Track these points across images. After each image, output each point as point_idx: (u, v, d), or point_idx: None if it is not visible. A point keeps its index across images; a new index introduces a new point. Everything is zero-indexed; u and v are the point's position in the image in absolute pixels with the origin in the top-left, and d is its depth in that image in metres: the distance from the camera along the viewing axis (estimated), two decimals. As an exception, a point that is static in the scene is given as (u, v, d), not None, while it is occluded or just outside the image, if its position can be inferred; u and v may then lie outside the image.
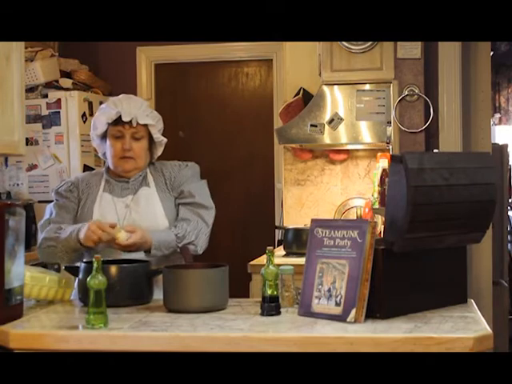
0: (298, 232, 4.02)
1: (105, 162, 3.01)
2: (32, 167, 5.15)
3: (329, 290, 2.23)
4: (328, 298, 2.22)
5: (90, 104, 5.13)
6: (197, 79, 5.78)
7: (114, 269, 2.47)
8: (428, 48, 4.18)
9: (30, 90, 5.06)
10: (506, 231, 5.04)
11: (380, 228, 3.39)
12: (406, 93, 4.13)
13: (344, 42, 4.07)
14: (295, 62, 4.73)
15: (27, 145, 4.67)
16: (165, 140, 2.94)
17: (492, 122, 6.78)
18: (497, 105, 8.46)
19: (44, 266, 3.03)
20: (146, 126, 2.86)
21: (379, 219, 3.68)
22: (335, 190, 4.62)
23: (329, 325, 2.15)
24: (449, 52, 4.09)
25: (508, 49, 7.39)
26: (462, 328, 2.09)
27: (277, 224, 4.95)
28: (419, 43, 4.11)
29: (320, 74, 4.23)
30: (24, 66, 2.92)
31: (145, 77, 5.71)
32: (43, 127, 5.11)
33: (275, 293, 2.30)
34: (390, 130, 4.07)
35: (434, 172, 2.21)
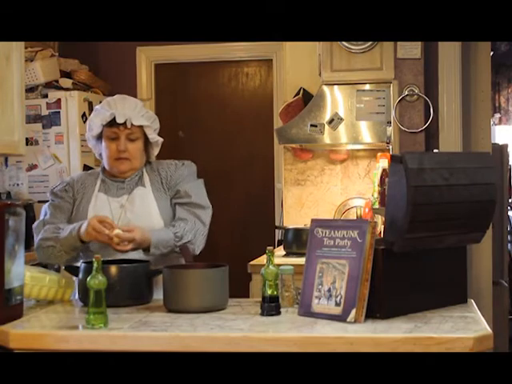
0: (297, 232, 4.02)
1: (102, 162, 3.01)
2: (32, 167, 5.15)
3: (329, 290, 2.23)
4: (328, 298, 2.22)
5: (90, 104, 5.13)
6: (197, 79, 5.78)
7: (113, 269, 2.47)
8: (428, 48, 4.17)
9: (30, 89, 5.05)
10: (506, 231, 5.04)
11: (380, 228, 3.39)
12: (406, 93, 4.13)
13: (344, 42, 4.07)
14: (295, 62, 4.73)
15: (27, 145, 4.67)
16: (161, 140, 2.92)
17: (492, 122, 6.78)
18: (497, 105, 8.45)
19: (44, 266, 3.04)
20: (141, 126, 2.85)
21: (379, 219, 3.68)
22: (335, 190, 4.62)
23: (329, 325, 2.15)
24: (449, 52, 4.09)
25: (508, 49, 7.39)
26: (461, 328, 2.09)
27: (277, 224, 4.95)
28: (419, 43, 4.11)
29: (320, 74, 4.23)
30: (24, 66, 2.92)
31: (145, 77, 5.71)
32: (43, 127, 5.11)
33: (275, 293, 2.30)
34: (390, 129, 4.07)
35: (434, 172, 2.21)
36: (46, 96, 5.13)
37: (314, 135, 4.15)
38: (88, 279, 2.19)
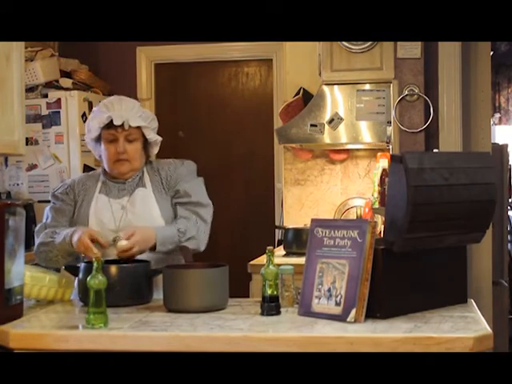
0: (297, 232, 4.02)
1: (103, 163, 3.01)
2: (32, 167, 5.15)
3: (329, 290, 2.23)
4: (328, 298, 2.22)
5: (90, 104, 5.13)
6: (197, 79, 5.78)
7: (113, 269, 2.47)
8: (428, 48, 4.17)
9: (30, 89, 5.05)
10: (506, 231, 5.04)
11: (380, 228, 3.39)
12: (406, 93, 4.13)
13: (344, 42, 4.07)
14: (295, 62, 4.73)
15: (27, 145, 4.66)
16: (160, 139, 2.92)
17: (492, 122, 6.78)
18: (497, 105, 8.46)
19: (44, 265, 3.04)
20: (139, 127, 2.84)
21: (379, 219, 3.68)
22: (335, 189, 4.62)
23: (329, 325, 2.15)
24: (449, 52, 4.09)
25: (508, 49, 7.39)
26: (461, 328, 2.09)
27: (277, 224, 4.95)
28: (419, 43, 4.11)
29: (320, 74, 4.23)
30: (24, 66, 2.91)
31: (145, 77, 5.71)
32: (43, 127, 5.11)
33: (275, 293, 2.31)
34: (389, 129, 4.07)
35: (434, 172, 2.21)
36: (45, 96, 5.13)
37: (314, 135, 4.15)
38: (88, 279, 2.19)
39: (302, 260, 2.40)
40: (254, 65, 5.73)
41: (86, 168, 4.97)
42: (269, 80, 5.67)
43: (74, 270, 2.59)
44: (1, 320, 2.20)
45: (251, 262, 3.85)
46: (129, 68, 5.68)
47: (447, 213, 2.26)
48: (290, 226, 4.14)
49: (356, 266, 2.19)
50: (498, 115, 8.45)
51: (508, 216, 5.57)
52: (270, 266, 2.28)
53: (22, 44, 2.87)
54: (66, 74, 5.30)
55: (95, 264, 2.20)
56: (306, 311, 2.27)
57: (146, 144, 2.91)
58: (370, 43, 4.06)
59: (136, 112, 2.85)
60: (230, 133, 5.74)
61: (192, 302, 2.34)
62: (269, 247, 2.31)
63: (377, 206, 3.74)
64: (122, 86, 5.27)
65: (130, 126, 2.80)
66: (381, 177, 3.70)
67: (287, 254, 4.03)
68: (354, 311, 2.16)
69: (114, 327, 2.17)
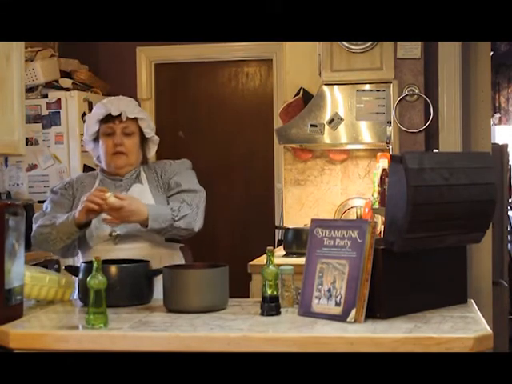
0: (297, 232, 4.02)
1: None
2: (32, 167, 5.15)
3: (329, 290, 2.23)
4: (328, 298, 2.22)
5: (90, 104, 5.13)
6: (197, 79, 5.78)
7: (113, 269, 2.47)
8: (428, 48, 4.17)
9: (30, 89, 5.06)
10: (506, 231, 5.05)
11: (380, 228, 3.39)
12: (406, 93, 4.13)
13: (344, 42, 4.07)
14: (295, 62, 4.73)
15: (27, 145, 4.67)
16: (157, 138, 2.97)
17: (492, 122, 6.78)
18: (497, 105, 8.46)
19: (44, 266, 3.05)
20: (136, 121, 2.89)
21: (379, 219, 3.68)
22: (335, 189, 4.62)
23: (329, 325, 2.15)
24: (449, 52, 4.09)
25: (508, 49, 7.39)
26: (461, 328, 2.09)
27: (277, 224, 4.95)
28: (419, 43, 4.11)
29: (320, 74, 4.23)
30: (24, 66, 2.92)
31: (145, 77, 5.71)
32: (43, 127, 5.11)
33: (275, 293, 2.30)
34: (390, 129, 4.07)
35: (434, 172, 2.21)
36: (45, 96, 5.13)
37: (314, 135, 4.15)
38: (88, 279, 2.19)
39: (301, 260, 2.40)
40: (253, 65, 5.74)
41: (86, 168, 4.97)
42: (269, 80, 5.67)
43: (74, 270, 2.59)
44: (1, 320, 2.20)
45: (251, 262, 3.85)
46: (129, 68, 5.68)
47: (447, 213, 2.26)
48: (290, 226, 4.14)
49: (356, 266, 2.19)
50: (497, 115, 8.45)
51: (508, 216, 5.57)
52: (270, 266, 2.28)
53: (22, 44, 2.87)
54: (66, 74, 5.31)
55: (95, 264, 2.20)
56: (306, 311, 2.27)
57: (143, 142, 2.94)
58: (370, 43, 4.06)
59: (133, 107, 2.92)
60: (230, 133, 5.74)
61: (192, 302, 2.34)
62: (269, 247, 2.31)
63: (377, 206, 3.74)
64: (121, 86, 5.27)
65: (127, 118, 2.85)
66: (381, 177, 3.70)
67: (287, 254, 4.03)
68: (354, 311, 2.16)
69: (114, 327, 2.17)
